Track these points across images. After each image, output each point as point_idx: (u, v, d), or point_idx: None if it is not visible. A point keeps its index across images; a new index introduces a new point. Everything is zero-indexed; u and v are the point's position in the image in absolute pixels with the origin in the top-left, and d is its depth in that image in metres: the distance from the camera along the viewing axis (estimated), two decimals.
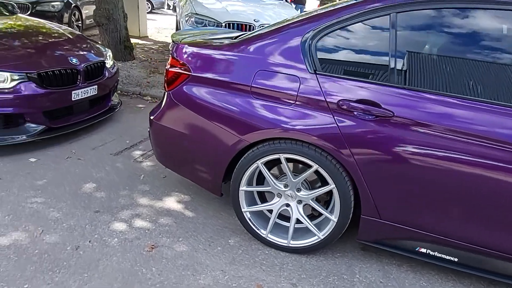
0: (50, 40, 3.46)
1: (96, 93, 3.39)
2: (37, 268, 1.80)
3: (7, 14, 4.02)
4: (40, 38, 3.45)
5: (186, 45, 2.07)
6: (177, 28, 8.04)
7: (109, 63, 3.70)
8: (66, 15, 7.50)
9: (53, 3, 7.28)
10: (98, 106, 3.55)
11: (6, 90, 2.71)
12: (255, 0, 5.81)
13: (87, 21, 8.51)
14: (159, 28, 10.95)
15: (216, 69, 1.94)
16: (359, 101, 1.68)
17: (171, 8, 17.77)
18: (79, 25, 8.12)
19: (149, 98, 4.67)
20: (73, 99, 3.15)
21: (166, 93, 2.14)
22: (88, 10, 8.64)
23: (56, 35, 3.64)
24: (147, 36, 8.93)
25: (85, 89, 3.25)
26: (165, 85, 2.13)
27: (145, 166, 2.91)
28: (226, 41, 2.08)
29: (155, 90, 4.83)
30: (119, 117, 3.86)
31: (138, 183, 2.64)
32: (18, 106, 2.78)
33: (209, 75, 1.94)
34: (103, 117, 3.55)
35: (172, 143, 2.17)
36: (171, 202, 2.45)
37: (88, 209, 2.29)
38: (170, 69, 2.10)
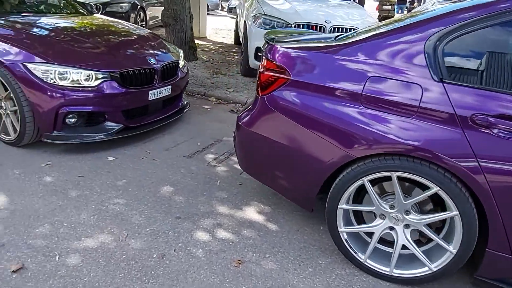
0: (128, 40, 3.49)
1: (169, 93, 3.37)
2: (126, 275, 1.74)
3: (86, 13, 4.15)
4: (119, 37, 3.50)
5: (284, 47, 1.92)
6: (236, 30, 8.02)
7: (181, 63, 3.68)
8: (132, 16, 7.75)
9: (121, 4, 7.55)
10: (170, 106, 3.53)
11: (90, 89, 2.73)
12: (321, 0, 5.60)
13: (151, 22, 8.75)
14: (215, 29, 11.05)
15: (319, 73, 1.77)
16: (501, 116, 1.43)
17: (225, 9, 17.96)
18: (143, 25, 8.36)
19: (214, 99, 4.62)
20: (149, 99, 3.14)
21: (259, 98, 2.00)
22: (152, 12, 8.90)
23: (133, 34, 3.68)
24: (206, 37, 9.02)
25: (161, 89, 3.23)
26: (258, 89, 2.00)
27: (220, 171, 2.81)
28: (329, 43, 1.91)
29: (219, 91, 4.78)
30: (187, 118, 3.83)
31: (215, 189, 2.54)
32: (100, 104, 2.80)
33: (311, 80, 1.78)
34: (175, 118, 3.52)
35: (262, 151, 2.03)
36: (252, 213, 2.31)
37: (169, 214, 2.22)
38: (265, 72, 1.96)
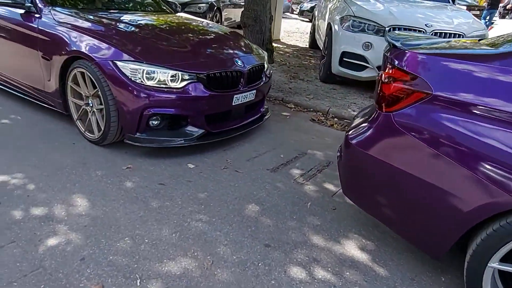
0: (215, 40, 3.30)
1: (253, 98, 3.12)
2: None
3: (171, 12, 4.08)
4: (206, 37, 3.33)
5: (424, 53, 1.53)
6: (313, 33, 7.66)
7: (266, 66, 3.42)
8: (209, 17, 7.75)
9: (199, 5, 7.59)
10: (252, 112, 3.28)
11: (175, 90, 2.56)
12: (417, 2, 5.03)
13: (225, 23, 8.72)
14: (288, 31, 10.79)
15: (481, 90, 1.35)
16: None
17: (295, 12, 17.64)
18: None
19: (293, 106, 4.31)
20: (233, 104, 2.91)
21: (381, 115, 1.63)
22: (227, 13, 8.88)
23: (219, 34, 3.50)
24: (279, 39, 8.77)
25: (245, 93, 2.99)
26: (382, 104, 1.63)
27: (308, 190, 2.48)
28: (485, 51, 1.48)
29: (298, 97, 4.46)
30: (267, 125, 3.56)
31: (306, 213, 2.22)
32: (184, 107, 2.62)
33: (465, 98, 1.37)
34: (256, 125, 3.27)
35: (378, 179, 1.66)
36: (352, 248, 1.95)
37: (256, 239, 1.94)
38: (392, 84, 1.58)
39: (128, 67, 2.46)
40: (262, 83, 3.23)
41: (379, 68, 4.36)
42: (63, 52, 2.72)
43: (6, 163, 2.45)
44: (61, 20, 2.85)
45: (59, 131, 2.99)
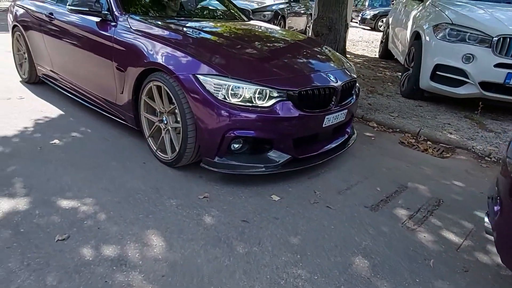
0: (299, 50, 2.92)
1: (343, 119, 2.68)
2: None
3: (244, 19, 3.78)
4: (289, 47, 2.96)
5: None
6: (385, 42, 7.05)
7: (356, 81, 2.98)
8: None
9: (265, 13, 7.34)
10: (339, 134, 2.84)
11: (262, 109, 2.20)
12: None
13: None
14: (351, 40, 10.21)
15: None
16: None
17: (354, 20, 16.90)
18: None
19: (375, 125, 3.80)
20: (323, 126, 2.50)
21: None
22: (290, 21, 8.55)
23: (302, 44, 3.11)
24: (345, 49, 8.24)
25: (337, 113, 2.56)
26: None
27: (424, 240, 1.98)
28: None
29: (380, 115, 3.94)
30: (351, 148, 3.09)
31: (430, 275, 1.72)
32: (271, 129, 2.25)
33: None
34: (344, 149, 2.82)
35: None
36: None
37: None
38: None
39: (212, 82, 2.14)
40: (353, 101, 2.79)
41: (483, 84, 3.72)
42: (139, 64, 2.48)
43: (77, 184, 2.23)
44: (138, 29, 2.62)
45: (130, 148, 2.76)
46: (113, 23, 2.77)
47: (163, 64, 2.30)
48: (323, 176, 2.60)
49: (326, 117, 2.47)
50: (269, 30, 3.45)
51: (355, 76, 2.85)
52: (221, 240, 1.84)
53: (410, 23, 5.13)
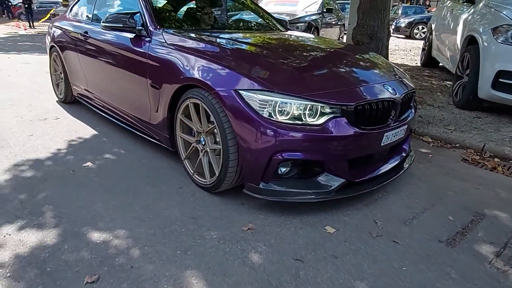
0: (348, 60, 2.62)
1: (402, 136, 2.34)
2: None
3: (282, 30, 3.55)
4: (335, 57, 2.68)
5: None
6: (428, 50, 6.60)
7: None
8: None
9: (298, 24, 7.13)
10: (395, 153, 2.50)
11: (313, 128, 1.91)
12: None
13: None
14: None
15: None
16: None
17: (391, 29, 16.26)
18: None
19: (430, 140, 3.41)
20: (381, 145, 2.18)
21: None
22: (324, 32, 8.29)
23: (349, 53, 2.82)
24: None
25: (396, 130, 2.23)
26: None
27: None
28: None
29: (435, 128, 3.54)
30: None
31: None
32: (323, 150, 1.96)
33: None
34: (403, 170, 2.47)
35: None
36: None
37: None
38: None
39: (256, 98, 1.90)
40: (412, 116, 2.45)
41: None
42: (174, 80, 2.29)
43: (109, 212, 2.04)
44: (172, 43, 2.45)
45: (165, 171, 2.56)
46: (147, 39, 2.61)
47: (201, 79, 2.09)
48: (382, 202, 2.26)
49: (385, 134, 2.15)
50: (311, 39, 3.19)
51: (412, 86, 2.52)
52: (273, 285, 1.55)
53: (460, 28, 4.71)
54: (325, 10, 8.20)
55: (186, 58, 2.25)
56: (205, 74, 2.09)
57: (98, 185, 2.35)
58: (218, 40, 2.61)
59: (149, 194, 2.25)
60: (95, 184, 2.35)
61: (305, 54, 2.56)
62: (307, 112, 1.92)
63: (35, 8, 18.66)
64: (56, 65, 4.18)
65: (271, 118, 1.88)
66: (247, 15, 3.99)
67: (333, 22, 8.89)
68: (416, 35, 14.35)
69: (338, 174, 2.06)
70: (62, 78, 4.06)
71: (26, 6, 17.23)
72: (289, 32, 3.44)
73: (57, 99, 4.30)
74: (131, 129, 2.96)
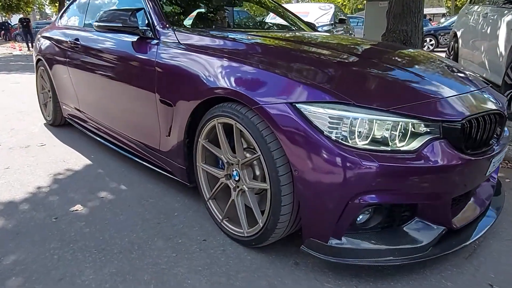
0: (423, 63, 1.98)
1: (500, 159, 1.73)
2: None
3: (310, 30, 2.96)
4: (405, 58, 2.06)
5: None
6: (455, 58, 6.07)
7: None
8: None
9: None
10: (485, 185, 1.87)
11: (399, 156, 1.29)
12: None
13: None
14: None
15: None
16: None
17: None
18: None
19: (507, 162, 2.79)
20: (486, 174, 1.56)
21: None
22: None
23: (417, 54, 2.20)
24: None
25: (501, 153, 1.62)
26: None
27: None
28: None
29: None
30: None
31: None
32: (417, 188, 1.33)
33: None
34: (502, 207, 1.84)
35: None
36: None
37: None
38: None
39: (325, 115, 1.27)
40: (508, 134, 1.84)
41: None
42: (195, 93, 1.67)
43: (112, 279, 1.39)
44: (190, 43, 1.84)
45: (181, 215, 1.92)
46: (154, 41, 2.02)
47: (236, 89, 1.47)
48: (485, 253, 1.62)
49: (492, 160, 1.53)
50: (354, 39, 2.61)
51: (504, 96, 1.92)
52: None
53: (503, 33, 4.17)
54: (337, 21, 7.74)
55: (210, 62, 1.64)
56: (241, 83, 1.48)
57: (89, 239, 1.70)
58: (250, 38, 2.02)
59: (162, 253, 1.60)
60: (85, 239, 1.70)
61: (362, 55, 1.95)
62: (396, 133, 1.30)
63: (33, 28, 17.80)
64: (43, 81, 3.58)
65: (346, 143, 1.26)
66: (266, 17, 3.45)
67: (345, 33, 8.43)
68: (424, 47, 13.97)
69: (435, 219, 1.43)
70: (50, 97, 3.45)
71: (24, 24, 16.23)
72: (323, 32, 2.87)
73: (45, 122, 3.68)
74: (134, 158, 2.34)
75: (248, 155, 1.57)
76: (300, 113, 1.29)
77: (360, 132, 1.27)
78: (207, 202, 1.79)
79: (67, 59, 2.87)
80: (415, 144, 1.31)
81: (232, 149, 1.61)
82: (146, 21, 2.13)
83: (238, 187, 1.61)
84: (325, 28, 7.35)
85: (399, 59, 1.96)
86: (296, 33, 2.47)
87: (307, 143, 1.28)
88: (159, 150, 2.06)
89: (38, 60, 3.52)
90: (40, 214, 1.93)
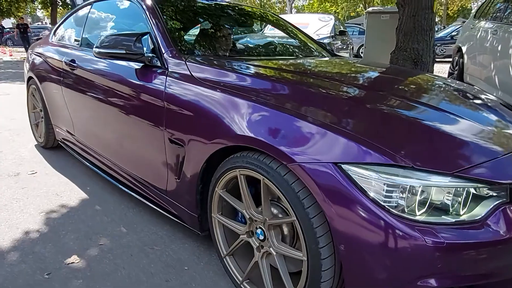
0: (470, 103, 1.82)
1: None
2: None
3: (329, 55, 2.76)
4: (447, 99, 1.87)
5: None
6: (460, 73, 5.95)
7: None
8: None
9: None
10: None
11: (466, 227, 1.08)
12: None
13: None
14: None
15: None
16: None
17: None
18: None
19: None
20: None
21: None
22: None
23: (467, 90, 2.03)
24: None
25: None
26: None
27: None
28: None
29: None
30: None
31: None
32: (481, 267, 1.13)
33: None
34: None
35: None
36: None
37: None
38: None
39: (380, 180, 1.05)
40: None
41: None
42: (213, 136, 1.46)
43: None
44: (208, 80, 1.62)
45: (191, 268, 1.68)
46: (160, 70, 1.80)
47: (266, 141, 1.25)
48: None
49: None
50: (386, 68, 2.40)
51: None
52: None
53: None
54: (337, 33, 7.60)
55: (232, 102, 1.42)
56: (272, 132, 1.26)
57: None
58: (276, 72, 1.80)
59: None
60: None
61: (405, 95, 1.73)
62: (460, 199, 1.10)
63: (31, 34, 16.61)
64: (35, 100, 3.33)
65: (406, 215, 1.05)
66: (273, 36, 3.24)
67: (344, 46, 8.30)
68: None
69: None
70: (42, 117, 3.20)
71: (22, 31, 15.11)
72: (345, 58, 2.68)
73: (36, 143, 3.43)
74: (135, 195, 2.11)
75: (275, 211, 1.35)
76: (348, 176, 1.08)
77: (420, 200, 1.07)
78: (224, 259, 1.56)
79: (62, 81, 2.63)
80: (481, 211, 1.11)
81: (256, 204, 1.39)
82: (151, 46, 1.91)
83: (262, 247, 1.39)
84: (326, 41, 7.20)
85: (445, 97, 1.76)
86: (325, 64, 2.25)
87: (356, 214, 1.07)
88: (166, 192, 1.84)
89: (30, 78, 3.27)
90: (30, 267, 1.68)
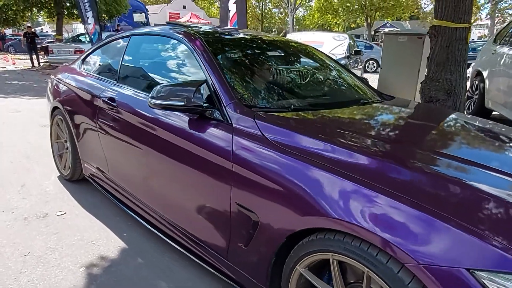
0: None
1: None
2: None
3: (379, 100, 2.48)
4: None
5: None
6: (481, 98, 5.88)
7: None
8: None
9: None
10: None
11: None
12: None
13: None
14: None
15: None
16: None
17: None
18: None
19: None
20: None
21: None
22: None
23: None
24: None
25: None
26: None
27: None
28: None
29: None
30: None
31: None
32: None
33: None
34: None
35: None
36: None
37: None
38: None
39: None
40: None
41: None
42: (297, 212, 1.33)
43: None
44: (286, 145, 1.47)
45: None
46: (221, 125, 1.68)
47: (375, 232, 1.10)
48: None
49: None
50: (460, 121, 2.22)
51: None
52: None
53: None
54: (352, 53, 7.53)
55: (324, 178, 1.28)
56: (380, 222, 1.13)
57: None
58: (370, 140, 1.57)
59: None
60: None
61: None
62: None
63: (40, 41, 15.48)
64: (59, 131, 3.19)
65: None
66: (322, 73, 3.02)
67: (356, 65, 8.23)
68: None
69: None
70: (68, 149, 3.06)
71: (29, 41, 13.62)
72: (408, 105, 2.45)
73: (59, 174, 3.28)
74: (183, 250, 1.96)
75: None
76: (483, 285, 0.95)
77: None
78: None
79: (97, 119, 2.49)
80: None
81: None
82: (206, 94, 1.78)
83: None
84: (342, 62, 7.12)
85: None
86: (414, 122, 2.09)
87: None
88: (226, 256, 1.70)
89: (55, 108, 3.13)
90: None
